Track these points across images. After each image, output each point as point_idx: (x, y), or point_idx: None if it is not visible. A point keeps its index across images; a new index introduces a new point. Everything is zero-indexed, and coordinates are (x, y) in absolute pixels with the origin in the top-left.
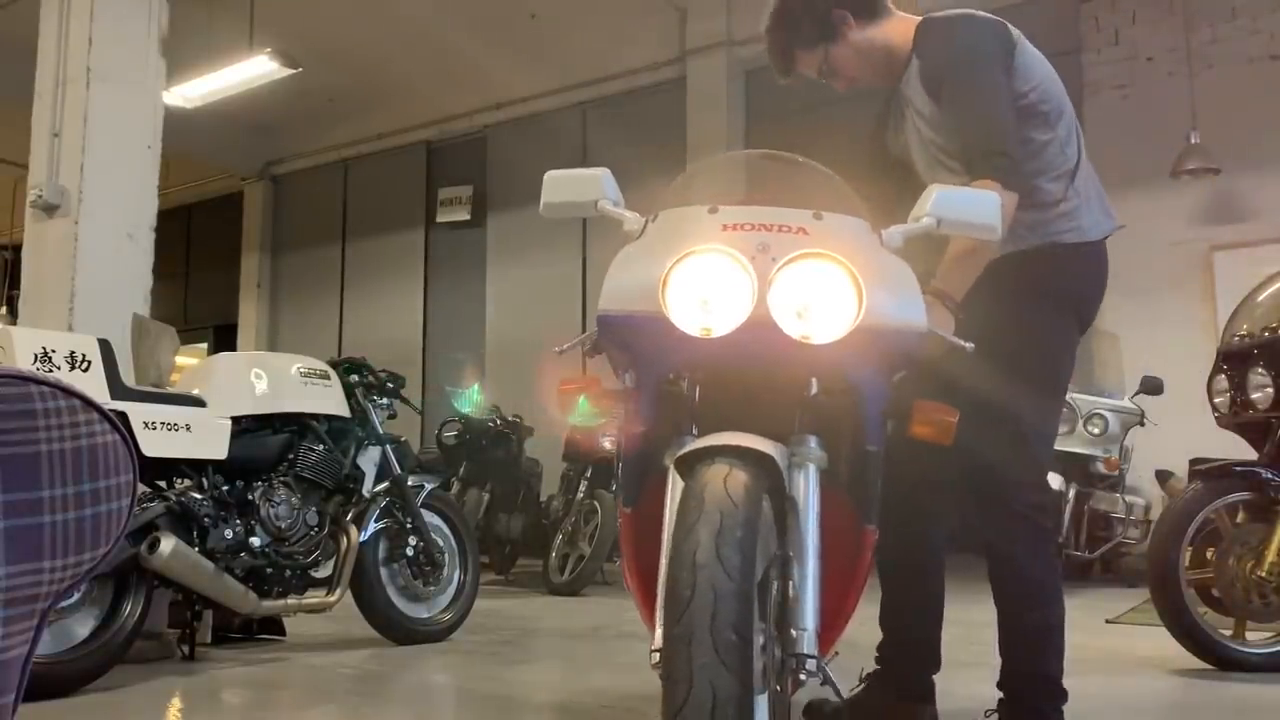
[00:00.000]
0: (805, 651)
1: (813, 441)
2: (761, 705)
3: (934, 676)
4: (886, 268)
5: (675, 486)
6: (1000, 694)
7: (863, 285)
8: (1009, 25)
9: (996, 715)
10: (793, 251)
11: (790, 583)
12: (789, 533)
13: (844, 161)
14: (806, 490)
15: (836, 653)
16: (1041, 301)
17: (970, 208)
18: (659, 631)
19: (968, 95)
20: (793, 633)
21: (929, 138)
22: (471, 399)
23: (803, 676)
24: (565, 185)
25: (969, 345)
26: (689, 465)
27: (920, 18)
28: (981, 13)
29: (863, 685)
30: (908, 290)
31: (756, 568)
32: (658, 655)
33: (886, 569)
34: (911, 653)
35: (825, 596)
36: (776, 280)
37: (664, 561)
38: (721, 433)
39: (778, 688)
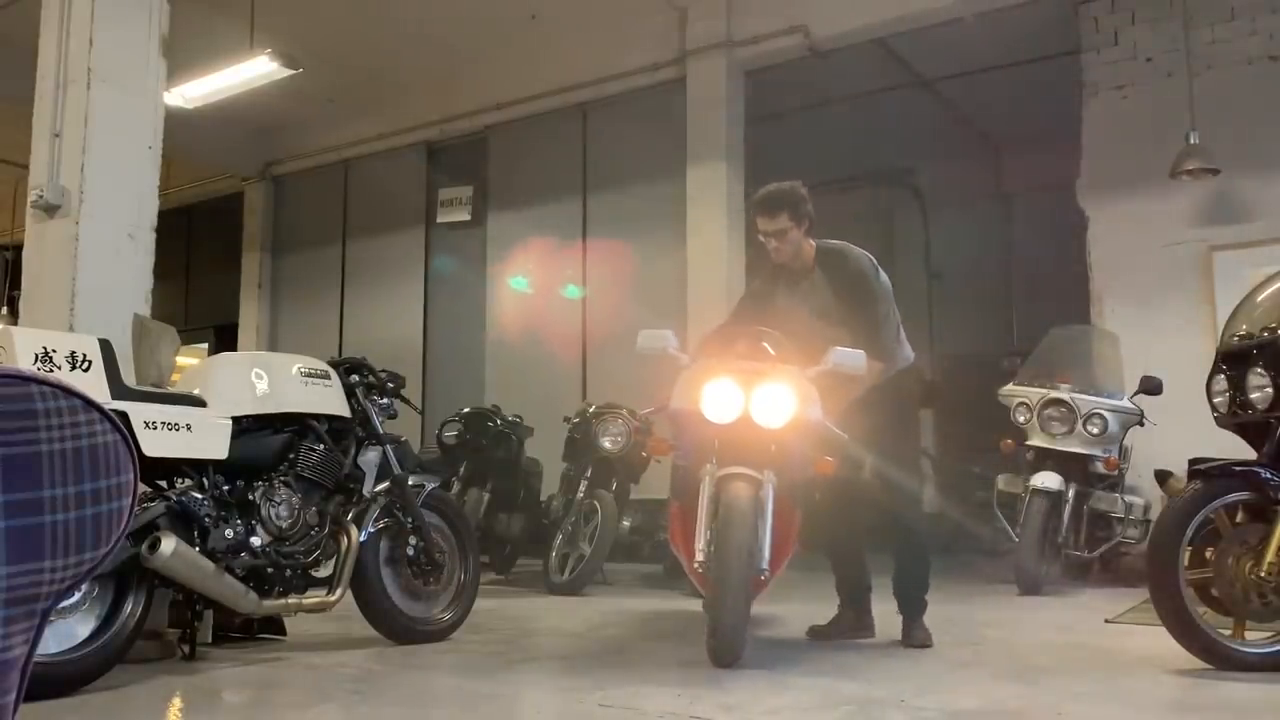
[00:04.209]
0: (764, 568)
1: (771, 473)
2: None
3: (868, 595)
4: (806, 390)
5: (708, 491)
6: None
7: (794, 399)
8: (870, 256)
9: (837, 621)
10: (763, 383)
11: (758, 533)
12: (760, 513)
13: (843, 159)
14: (768, 494)
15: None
16: (901, 402)
17: (849, 360)
18: (699, 559)
19: (869, 317)
20: (759, 558)
21: (823, 313)
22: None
23: (763, 577)
24: (648, 338)
25: (844, 434)
26: (723, 481)
27: (815, 242)
28: (855, 248)
29: (835, 615)
30: (815, 403)
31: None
32: (699, 565)
33: (832, 550)
34: (853, 584)
35: (775, 544)
36: (753, 396)
37: (703, 530)
38: (733, 465)
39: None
